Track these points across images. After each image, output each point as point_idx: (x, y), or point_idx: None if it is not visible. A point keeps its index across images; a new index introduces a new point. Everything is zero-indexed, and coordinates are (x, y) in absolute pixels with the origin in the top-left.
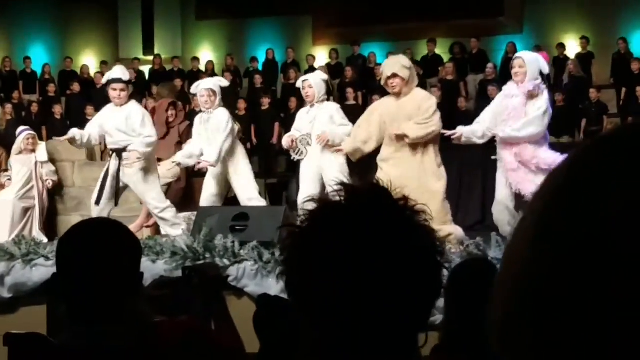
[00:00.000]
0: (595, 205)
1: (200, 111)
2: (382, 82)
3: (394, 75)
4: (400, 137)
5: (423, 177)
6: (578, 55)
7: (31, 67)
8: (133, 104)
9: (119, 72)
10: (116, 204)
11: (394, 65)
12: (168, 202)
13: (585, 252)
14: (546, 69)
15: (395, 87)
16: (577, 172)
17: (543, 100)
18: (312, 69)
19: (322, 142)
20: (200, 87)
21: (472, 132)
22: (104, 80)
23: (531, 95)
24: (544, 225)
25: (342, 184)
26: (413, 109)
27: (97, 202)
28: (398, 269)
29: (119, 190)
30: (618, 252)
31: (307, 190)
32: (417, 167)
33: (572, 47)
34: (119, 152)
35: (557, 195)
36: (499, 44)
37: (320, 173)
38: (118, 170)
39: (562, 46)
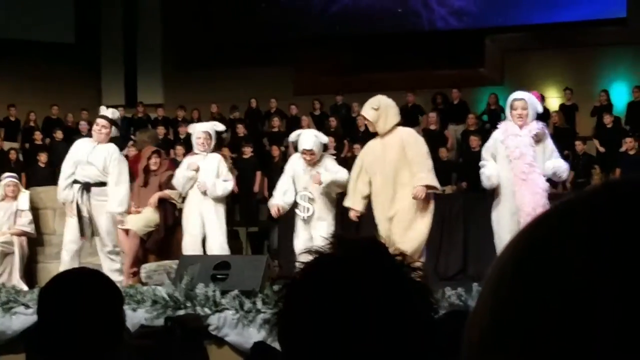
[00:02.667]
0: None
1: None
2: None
3: (364, 118)
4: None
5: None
6: (562, 107)
7: (15, 115)
8: (112, 145)
9: (108, 111)
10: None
11: (364, 108)
12: (119, 249)
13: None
14: (540, 108)
15: (369, 128)
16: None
17: (550, 142)
18: (294, 119)
19: (317, 182)
20: (197, 129)
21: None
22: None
23: (538, 139)
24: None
25: (338, 236)
26: (398, 147)
27: (83, 234)
28: (391, 325)
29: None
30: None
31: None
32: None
33: (553, 98)
34: (90, 186)
35: (510, 276)
36: (480, 95)
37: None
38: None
39: (541, 97)
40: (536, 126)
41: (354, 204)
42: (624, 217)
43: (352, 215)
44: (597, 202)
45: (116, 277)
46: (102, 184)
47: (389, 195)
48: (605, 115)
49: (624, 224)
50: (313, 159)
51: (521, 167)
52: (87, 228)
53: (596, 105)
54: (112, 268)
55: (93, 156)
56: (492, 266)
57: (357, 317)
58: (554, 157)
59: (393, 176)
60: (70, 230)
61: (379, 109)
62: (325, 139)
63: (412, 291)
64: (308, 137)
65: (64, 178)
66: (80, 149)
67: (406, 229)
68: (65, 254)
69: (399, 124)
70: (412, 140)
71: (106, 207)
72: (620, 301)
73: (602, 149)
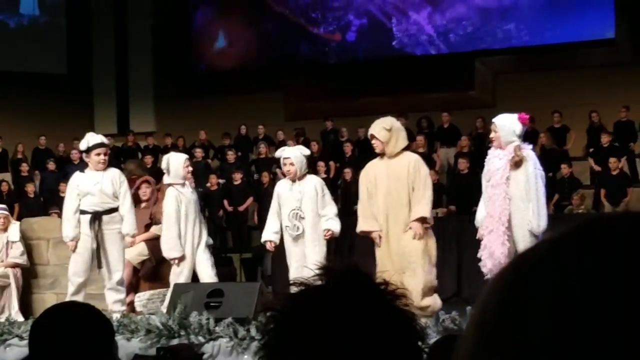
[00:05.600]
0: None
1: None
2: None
3: (373, 137)
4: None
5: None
6: (552, 129)
7: (2, 145)
8: (113, 169)
9: (100, 137)
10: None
11: (375, 127)
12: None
13: None
14: (518, 130)
15: (376, 147)
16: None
17: (530, 165)
18: (283, 144)
19: (329, 237)
20: (179, 160)
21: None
22: (82, 147)
23: (516, 164)
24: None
25: (322, 267)
26: (404, 170)
27: (100, 267)
28: (377, 354)
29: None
30: None
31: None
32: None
33: (545, 120)
34: (100, 214)
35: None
36: (471, 118)
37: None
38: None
39: (531, 119)
40: (510, 149)
41: (372, 226)
42: (595, 258)
43: (376, 236)
44: (571, 245)
45: (118, 307)
46: (112, 210)
47: (391, 214)
48: (603, 135)
49: (596, 265)
50: (292, 169)
51: (488, 190)
52: (102, 258)
53: (591, 125)
54: (117, 299)
55: (102, 185)
56: (478, 300)
57: (342, 348)
58: (531, 187)
59: (395, 196)
60: (75, 263)
61: (391, 130)
62: (307, 151)
63: (397, 320)
64: (290, 149)
65: (72, 214)
66: (83, 182)
67: (415, 268)
68: (70, 287)
69: (406, 148)
70: (418, 168)
71: (121, 230)
72: (604, 340)
73: (597, 168)
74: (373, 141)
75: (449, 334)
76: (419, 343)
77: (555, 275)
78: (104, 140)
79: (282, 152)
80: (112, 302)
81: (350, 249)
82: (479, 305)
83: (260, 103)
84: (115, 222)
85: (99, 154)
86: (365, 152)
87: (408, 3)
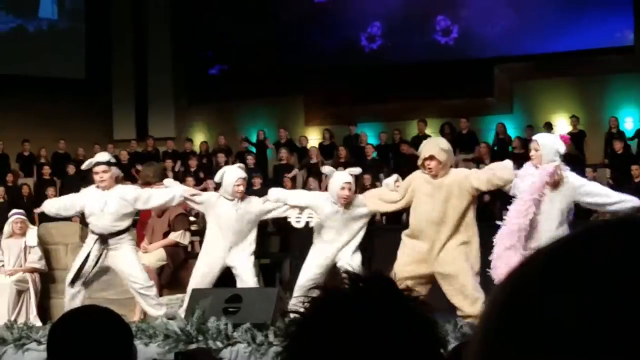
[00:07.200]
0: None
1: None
2: (419, 162)
3: (431, 157)
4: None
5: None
6: (569, 134)
7: (29, 150)
8: (120, 187)
9: (99, 155)
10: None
11: (433, 148)
12: (152, 282)
13: None
14: (562, 149)
15: (431, 170)
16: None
17: (569, 188)
18: (304, 150)
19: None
20: (236, 175)
21: None
22: (84, 167)
23: (555, 184)
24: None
25: (346, 272)
26: (452, 187)
27: (72, 284)
28: None
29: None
30: None
31: (308, 274)
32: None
33: (562, 126)
34: (106, 237)
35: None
36: (489, 124)
37: (333, 260)
38: (100, 254)
39: (549, 125)
40: (547, 169)
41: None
42: (598, 264)
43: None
44: (576, 251)
45: (157, 312)
46: (119, 232)
47: (440, 234)
48: (615, 142)
49: (600, 271)
50: (350, 196)
51: (514, 206)
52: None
53: (610, 131)
54: (151, 303)
55: (107, 206)
56: (485, 303)
57: (363, 353)
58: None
59: (443, 218)
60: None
61: (448, 152)
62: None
63: (419, 326)
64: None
65: (65, 202)
66: (90, 199)
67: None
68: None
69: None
70: (463, 179)
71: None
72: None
73: (610, 181)
74: (430, 162)
75: (468, 340)
76: (441, 350)
77: (560, 280)
78: (99, 158)
79: (332, 173)
80: (148, 307)
81: (370, 257)
82: (486, 308)
83: (280, 107)
84: (124, 242)
85: (96, 173)
86: (385, 157)
87: (428, 10)
